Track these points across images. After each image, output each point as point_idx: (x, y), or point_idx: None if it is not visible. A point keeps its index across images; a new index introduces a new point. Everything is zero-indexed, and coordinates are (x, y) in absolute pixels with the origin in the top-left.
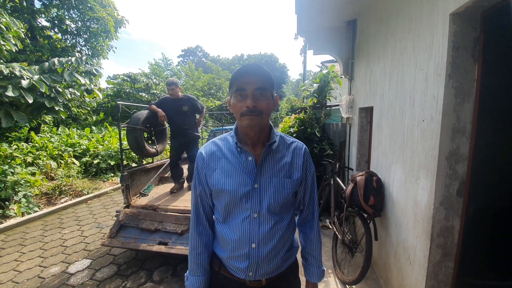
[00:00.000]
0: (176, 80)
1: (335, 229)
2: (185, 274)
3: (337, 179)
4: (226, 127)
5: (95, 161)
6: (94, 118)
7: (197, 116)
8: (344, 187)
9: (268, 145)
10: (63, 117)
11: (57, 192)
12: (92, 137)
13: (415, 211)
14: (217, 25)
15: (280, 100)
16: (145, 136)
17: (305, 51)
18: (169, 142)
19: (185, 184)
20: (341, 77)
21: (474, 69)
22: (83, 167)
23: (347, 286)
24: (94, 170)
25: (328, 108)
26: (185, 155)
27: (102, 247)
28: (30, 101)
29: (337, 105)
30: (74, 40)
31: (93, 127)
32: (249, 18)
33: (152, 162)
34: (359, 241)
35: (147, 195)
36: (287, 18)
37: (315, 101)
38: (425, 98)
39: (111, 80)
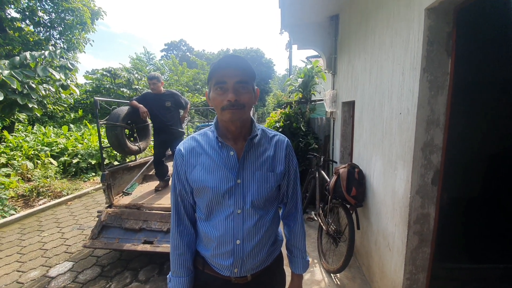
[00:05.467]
0: (157, 74)
1: (320, 221)
2: (168, 276)
3: (322, 172)
4: (212, 123)
5: (74, 161)
6: (72, 115)
7: (181, 112)
8: (329, 180)
9: (249, 138)
10: (38, 114)
11: (35, 194)
12: (70, 136)
13: (393, 200)
14: (201, 18)
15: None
16: (127, 133)
17: (290, 46)
18: (153, 139)
19: (170, 182)
20: (325, 72)
21: (447, 62)
22: (62, 167)
23: (332, 274)
24: (74, 170)
25: (312, 103)
26: (169, 152)
27: (84, 249)
28: (1, 98)
29: (321, 100)
30: (47, 33)
31: (71, 125)
32: (234, 12)
33: (135, 160)
34: (342, 231)
35: (131, 194)
36: (272, 12)
37: (300, 96)
38: (402, 92)
39: (90, 75)
